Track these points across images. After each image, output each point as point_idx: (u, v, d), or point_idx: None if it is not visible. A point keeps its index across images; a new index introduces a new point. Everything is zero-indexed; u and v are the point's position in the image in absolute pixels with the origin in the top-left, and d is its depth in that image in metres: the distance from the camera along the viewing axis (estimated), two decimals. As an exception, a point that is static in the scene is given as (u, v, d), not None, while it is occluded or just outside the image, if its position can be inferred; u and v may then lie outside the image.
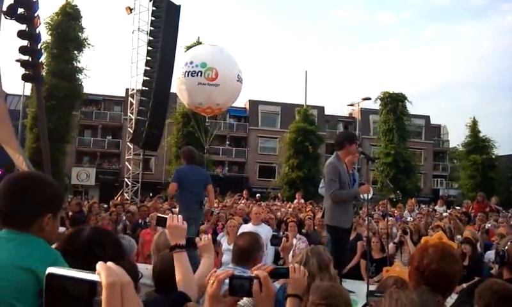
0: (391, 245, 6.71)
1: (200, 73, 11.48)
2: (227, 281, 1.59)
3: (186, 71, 11.73)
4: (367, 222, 6.37)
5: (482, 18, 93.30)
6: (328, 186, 5.36)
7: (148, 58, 16.72)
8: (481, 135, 34.16)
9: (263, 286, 1.58)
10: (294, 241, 7.38)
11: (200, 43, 25.61)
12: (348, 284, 5.22)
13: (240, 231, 6.03)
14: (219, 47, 12.55)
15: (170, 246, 2.48)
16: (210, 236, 3.09)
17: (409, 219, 10.96)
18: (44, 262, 1.63)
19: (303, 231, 8.14)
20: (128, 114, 20.13)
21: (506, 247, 2.70)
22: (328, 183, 5.35)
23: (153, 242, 3.51)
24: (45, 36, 22.96)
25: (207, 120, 22.90)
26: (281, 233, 6.04)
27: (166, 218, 2.62)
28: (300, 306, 2.02)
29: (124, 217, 9.49)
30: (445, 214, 11.48)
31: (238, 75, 12.21)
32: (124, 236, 6.84)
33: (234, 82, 12.12)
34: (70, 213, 9.24)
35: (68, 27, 24.28)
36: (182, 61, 12.58)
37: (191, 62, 11.82)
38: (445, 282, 2.06)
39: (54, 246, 1.84)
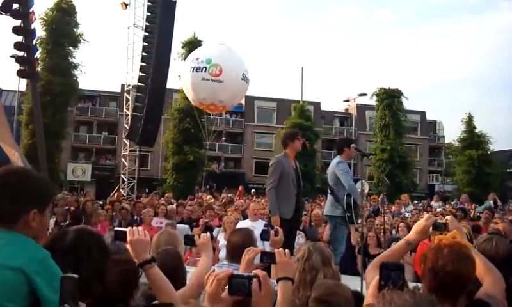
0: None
1: (204, 69, 11.71)
2: None
3: (192, 67, 12.03)
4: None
5: (479, 16, 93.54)
6: (268, 179, 6.21)
7: (144, 54, 16.70)
8: (477, 130, 34.20)
9: (262, 285, 1.58)
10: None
11: (197, 39, 25.68)
12: (344, 280, 5.23)
13: (237, 227, 6.04)
14: (226, 46, 12.85)
15: (137, 264, 2.19)
16: (209, 234, 3.07)
17: (407, 214, 10.94)
18: (33, 261, 1.63)
19: (300, 227, 8.14)
20: (124, 110, 20.09)
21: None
22: (269, 176, 6.19)
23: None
24: (40, 32, 22.76)
25: (203, 117, 22.92)
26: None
27: (125, 232, 2.26)
28: (292, 289, 2.03)
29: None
30: (438, 209, 11.47)
31: (243, 73, 12.34)
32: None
33: (238, 80, 12.25)
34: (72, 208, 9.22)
35: (63, 22, 24.10)
36: (189, 58, 13.03)
37: (197, 58, 12.12)
38: (460, 284, 2.05)
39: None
